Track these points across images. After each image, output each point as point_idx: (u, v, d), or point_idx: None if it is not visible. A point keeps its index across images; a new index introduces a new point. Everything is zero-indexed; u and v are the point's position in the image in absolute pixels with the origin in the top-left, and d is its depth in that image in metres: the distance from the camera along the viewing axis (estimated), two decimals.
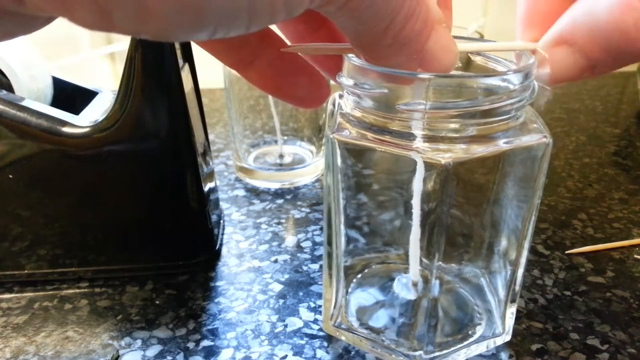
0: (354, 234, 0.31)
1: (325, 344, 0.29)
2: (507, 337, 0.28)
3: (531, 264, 0.35)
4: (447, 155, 0.21)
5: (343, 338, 0.29)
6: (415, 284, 0.28)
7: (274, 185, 0.46)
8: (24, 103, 0.30)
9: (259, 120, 0.49)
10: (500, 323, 0.28)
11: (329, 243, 0.27)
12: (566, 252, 0.37)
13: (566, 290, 0.33)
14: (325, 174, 0.26)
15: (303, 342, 0.29)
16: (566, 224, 0.40)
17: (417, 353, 0.26)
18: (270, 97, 0.45)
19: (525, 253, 0.26)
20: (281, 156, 0.49)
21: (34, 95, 0.33)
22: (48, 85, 0.35)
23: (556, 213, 0.42)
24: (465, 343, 0.28)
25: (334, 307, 0.29)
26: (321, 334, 0.29)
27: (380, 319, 0.29)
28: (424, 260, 0.25)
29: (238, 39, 0.21)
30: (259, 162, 0.48)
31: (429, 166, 0.22)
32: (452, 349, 0.27)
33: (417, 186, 0.23)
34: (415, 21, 0.17)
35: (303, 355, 0.28)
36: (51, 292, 0.33)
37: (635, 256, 0.36)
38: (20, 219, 0.32)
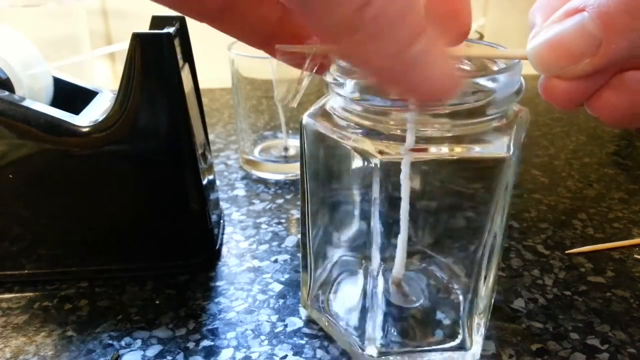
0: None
1: (326, 343, 0.29)
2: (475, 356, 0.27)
3: (531, 264, 0.35)
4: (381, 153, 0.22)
5: (316, 319, 0.30)
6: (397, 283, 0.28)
7: (279, 177, 0.47)
8: (24, 103, 0.30)
9: (265, 115, 0.50)
10: (467, 336, 0.27)
11: (303, 233, 0.28)
12: (566, 252, 0.37)
13: (566, 290, 0.33)
14: (300, 160, 0.27)
15: (303, 342, 0.29)
16: (566, 224, 0.40)
17: (368, 348, 0.27)
18: (275, 89, 0.46)
19: (487, 273, 0.25)
20: (286, 149, 0.50)
21: (34, 95, 0.33)
22: (48, 85, 0.35)
23: (556, 213, 0.42)
24: (424, 349, 0.27)
25: (309, 290, 0.30)
26: (321, 333, 0.29)
27: (351, 308, 0.30)
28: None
29: (259, 21, 0.21)
30: (265, 154, 0.50)
31: (365, 159, 0.23)
32: (404, 349, 0.27)
33: (405, 183, 0.23)
34: (388, 3, 0.13)
35: (303, 355, 0.28)
36: (51, 292, 0.33)
37: (635, 256, 0.36)
38: (20, 219, 0.32)
